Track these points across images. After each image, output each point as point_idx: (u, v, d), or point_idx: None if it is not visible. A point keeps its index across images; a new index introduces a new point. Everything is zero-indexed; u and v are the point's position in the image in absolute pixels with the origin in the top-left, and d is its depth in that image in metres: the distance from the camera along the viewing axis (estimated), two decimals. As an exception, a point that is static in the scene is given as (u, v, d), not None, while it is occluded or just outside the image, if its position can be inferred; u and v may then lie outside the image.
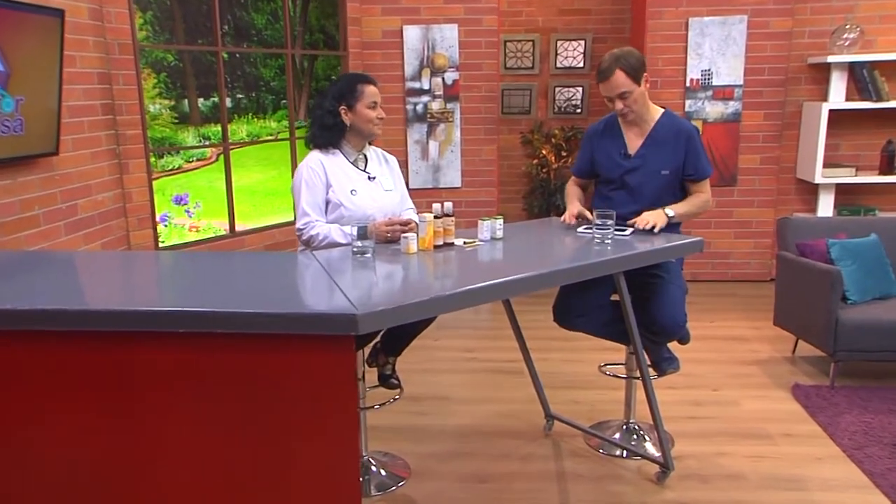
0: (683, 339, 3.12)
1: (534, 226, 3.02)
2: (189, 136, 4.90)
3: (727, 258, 5.85)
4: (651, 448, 3.21)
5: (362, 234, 2.47)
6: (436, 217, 2.58)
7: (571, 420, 3.40)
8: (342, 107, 2.85)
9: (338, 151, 2.92)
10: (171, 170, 4.93)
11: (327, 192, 2.83)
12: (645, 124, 3.01)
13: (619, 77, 2.85)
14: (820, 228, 4.16)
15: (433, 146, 5.69)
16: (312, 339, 1.82)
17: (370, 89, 2.88)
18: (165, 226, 4.85)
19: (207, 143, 4.99)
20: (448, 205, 2.62)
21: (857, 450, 3.15)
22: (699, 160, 2.99)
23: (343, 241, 2.71)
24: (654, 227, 2.82)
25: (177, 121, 4.84)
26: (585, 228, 2.93)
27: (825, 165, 5.42)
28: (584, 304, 3.07)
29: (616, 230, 2.76)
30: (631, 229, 2.87)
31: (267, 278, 2.31)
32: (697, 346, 4.32)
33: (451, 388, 3.97)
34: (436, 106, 5.63)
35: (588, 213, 2.95)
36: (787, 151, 5.72)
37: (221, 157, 5.11)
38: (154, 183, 4.68)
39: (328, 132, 2.87)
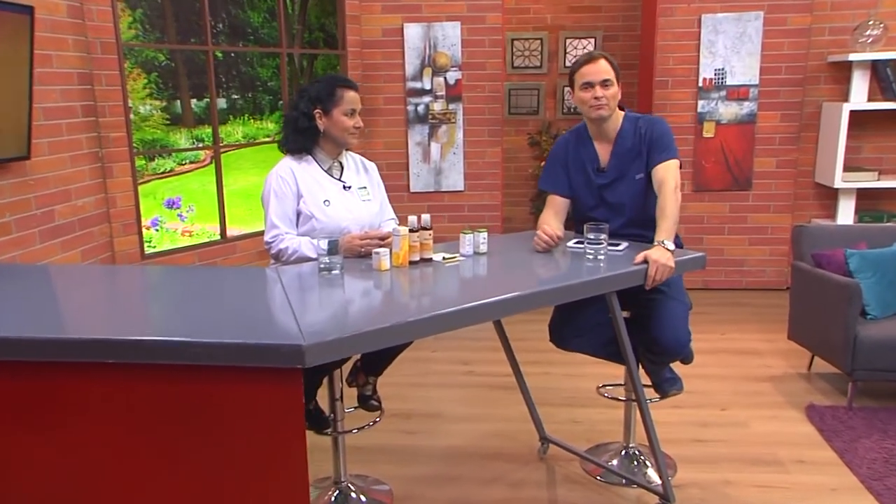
0: (686, 358, 2.90)
1: (522, 239, 2.81)
2: (181, 138, 4.74)
3: (741, 265, 5.60)
4: (653, 474, 2.99)
5: (332, 248, 2.29)
6: (411, 231, 2.38)
7: (567, 444, 3.19)
8: (317, 110, 2.66)
9: (311, 158, 2.72)
10: (162, 173, 4.79)
11: (298, 203, 2.64)
12: (613, 132, 2.84)
13: (605, 64, 2.73)
14: (838, 237, 3.91)
15: (435, 148, 5.49)
16: (255, 371, 1.64)
17: (350, 95, 2.68)
18: (157, 230, 4.72)
19: (199, 145, 4.83)
20: (426, 217, 2.42)
21: (876, 480, 2.91)
22: (661, 140, 2.72)
23: (314, 256, 2.51)
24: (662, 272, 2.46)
25: (168, 122, 4.68)
26: (577, 243, 2.72)
27: (845, 169, 5.18)
28: (580, 323, 2.87)
29: (609, 245, 2.55)
30: (626, 243, 2.66)
31: (218, 300, 2.12)
32: (706, 360, 4.10)
33: (444, 405, 3.77)
34: (438, 106, 5.43)
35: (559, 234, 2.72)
36: (805, 154, 5.47)
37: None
38: (145, 186, 4.52)
39: (301, 136, 2.67)
